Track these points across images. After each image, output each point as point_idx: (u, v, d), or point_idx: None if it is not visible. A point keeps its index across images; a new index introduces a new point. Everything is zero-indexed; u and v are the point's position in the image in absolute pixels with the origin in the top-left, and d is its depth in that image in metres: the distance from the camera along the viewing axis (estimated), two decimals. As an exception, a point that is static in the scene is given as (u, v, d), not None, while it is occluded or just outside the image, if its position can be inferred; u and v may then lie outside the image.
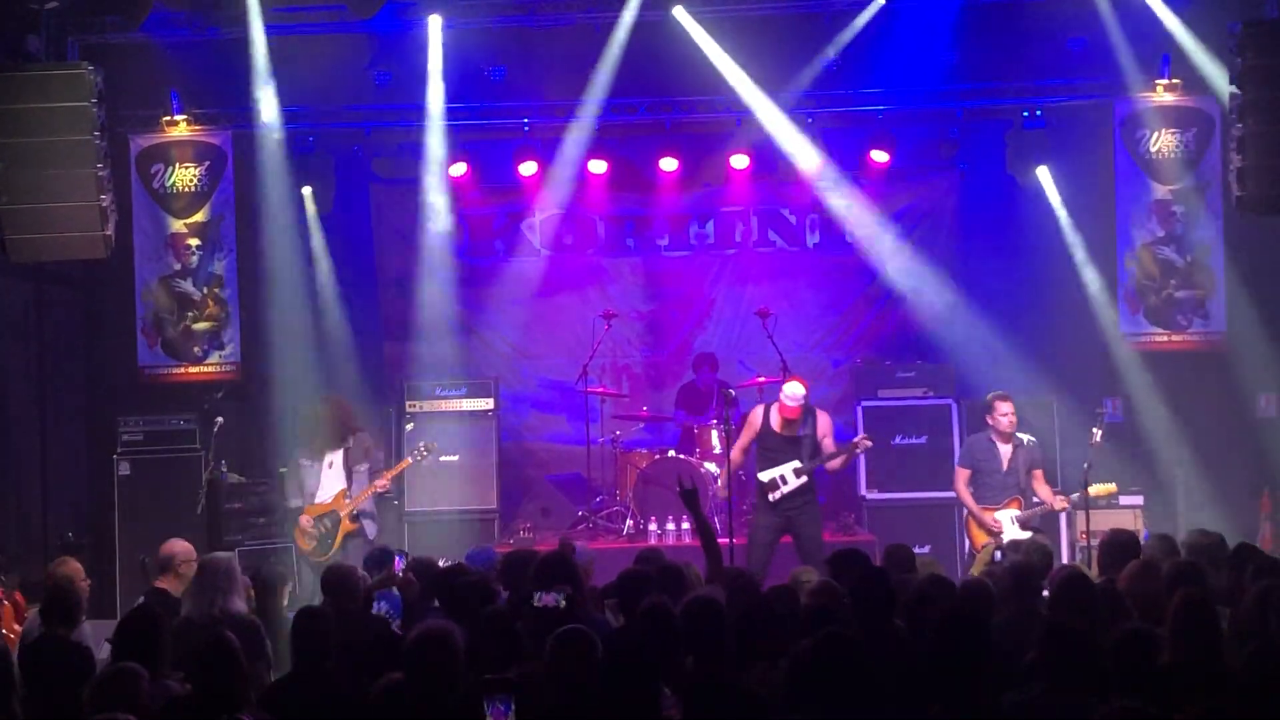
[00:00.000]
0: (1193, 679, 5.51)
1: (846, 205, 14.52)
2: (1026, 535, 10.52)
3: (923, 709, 5.38)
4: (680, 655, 6.07)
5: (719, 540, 8.64)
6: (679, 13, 12.81)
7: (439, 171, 13.98)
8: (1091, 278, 13.45)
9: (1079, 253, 13.51)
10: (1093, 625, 6.07)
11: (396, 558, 8.69)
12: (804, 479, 11.11)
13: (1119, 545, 8.00)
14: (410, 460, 11.98)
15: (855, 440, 11.36)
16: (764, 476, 11.19)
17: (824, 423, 11.32)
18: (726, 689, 5.66)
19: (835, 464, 11.41)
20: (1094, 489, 11.06)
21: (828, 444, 11.26)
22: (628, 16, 12.84)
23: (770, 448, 11.26)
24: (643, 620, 6.26)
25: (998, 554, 10.29)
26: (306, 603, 8.26)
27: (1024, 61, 13.05)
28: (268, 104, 13.03)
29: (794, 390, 11.14)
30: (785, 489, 11.12)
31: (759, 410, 11.46)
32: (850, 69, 13.28)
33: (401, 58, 13.25)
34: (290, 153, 13.77)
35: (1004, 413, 11.34)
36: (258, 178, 13.80)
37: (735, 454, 11.53)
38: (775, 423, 11.25)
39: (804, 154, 13.86)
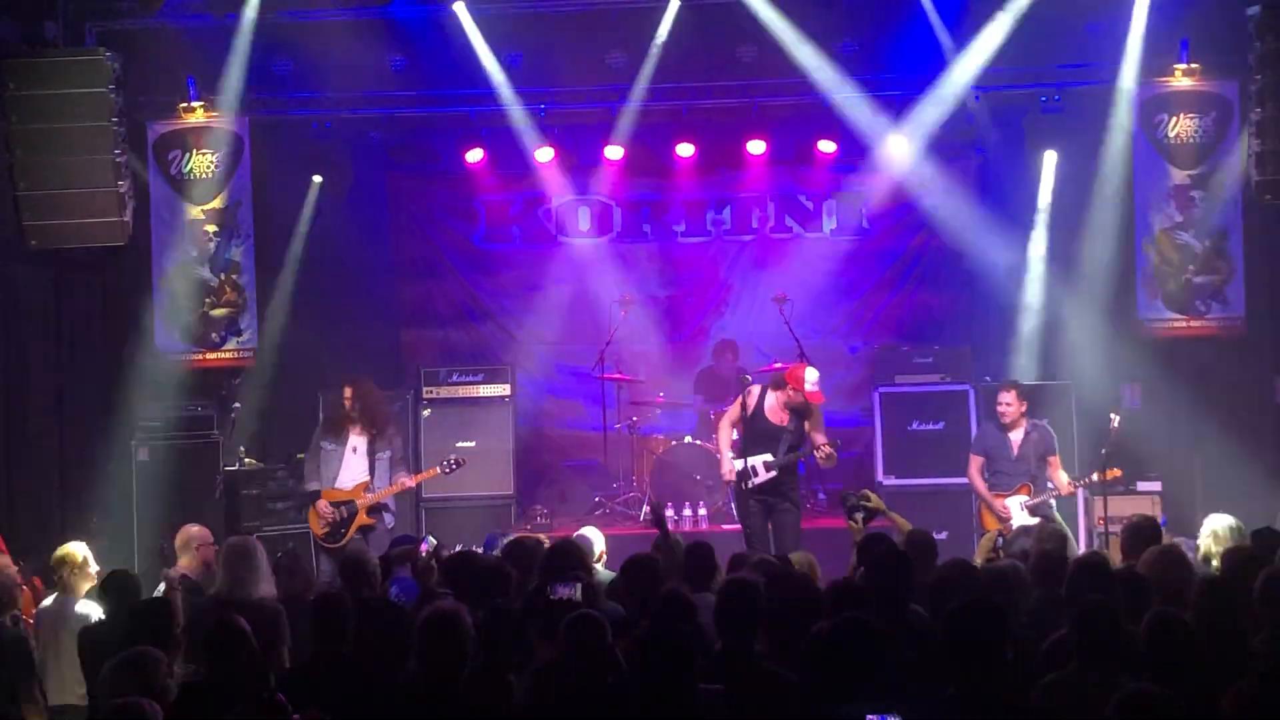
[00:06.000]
0: (1219, 663, 5.49)
1: (864, 190, 14.56)
2: (1035, 521, 10.52)
3: (939, 692, 5.36)
4: (702, 641, 6.06)
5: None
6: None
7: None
8: (1109, 263, 13.37)
9: (1097, 238, 13.43)
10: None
11: (423, 542, 8.67)
12: (774, 473, 10.93)
13: (1140, 531, 8.00)
14: (437, 470, 11.82)
15: (813, 447, 10.96)
16: (739, 464, 11.04)
17: (815, 417, 11.06)
18: (757, 672, 5.68)
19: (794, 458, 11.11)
20: (1098, 475, 11.06)
21: (816, 437, 10.98)
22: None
23: (755, 432, 11.04)
24: (663, 607, 6.26)
25: (1000, 539, 10.26)
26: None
27: (1043, 45, 12.95)
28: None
29: (814, 375, 10.95)
30: (755, 480, 10.95)
31: (755, 390, 11.22)
32: (868, 53, 13.22)
33: (419, 44, 13.23)
34: (307, 139, 13.81)
35: (1003, 403, 11.42)
36: (275, 164, 13.81)
37: (724, 427, 11.34)
38: (769, 408, 11.05)
39: (821, 139, 13.85)
